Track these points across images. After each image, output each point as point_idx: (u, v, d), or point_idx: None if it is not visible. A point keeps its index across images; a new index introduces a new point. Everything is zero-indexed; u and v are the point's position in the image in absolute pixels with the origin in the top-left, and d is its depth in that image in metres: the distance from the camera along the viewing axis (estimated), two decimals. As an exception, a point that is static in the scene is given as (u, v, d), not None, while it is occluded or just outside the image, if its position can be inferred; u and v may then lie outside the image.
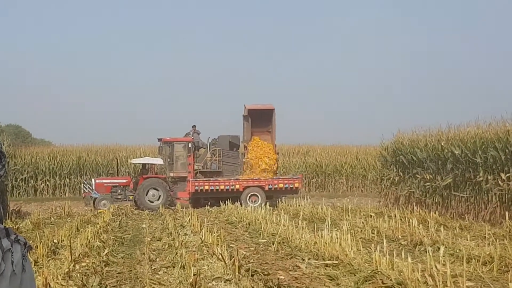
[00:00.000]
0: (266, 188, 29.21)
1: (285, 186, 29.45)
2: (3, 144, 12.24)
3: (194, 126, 32.84)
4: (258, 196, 29.01)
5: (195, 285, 8.25)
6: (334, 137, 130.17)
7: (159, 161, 30.52)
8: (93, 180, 31.37)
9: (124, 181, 30.74)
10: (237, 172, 30.92)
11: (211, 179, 29.66)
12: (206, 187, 28.87)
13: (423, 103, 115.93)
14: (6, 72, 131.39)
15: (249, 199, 28.87)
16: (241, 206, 26.88)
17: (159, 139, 31.83)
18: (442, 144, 23.14)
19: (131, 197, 29.71)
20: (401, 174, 26.95)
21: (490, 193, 20.17)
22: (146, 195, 29.14)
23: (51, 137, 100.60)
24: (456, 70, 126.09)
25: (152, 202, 29.04)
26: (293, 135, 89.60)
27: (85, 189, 31.08)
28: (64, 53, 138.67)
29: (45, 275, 8.47)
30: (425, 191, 24.40)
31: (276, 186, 29.38)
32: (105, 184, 30.29)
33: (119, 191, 29.99)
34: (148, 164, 30.64)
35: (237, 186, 29.11)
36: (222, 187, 29.01)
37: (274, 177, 30.80)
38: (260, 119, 31.19)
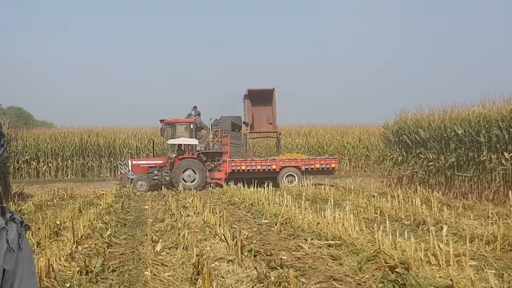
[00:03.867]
0: (303, 168, 29.30)
1: (321, 166, 29.58)
2: (3, 126, 12.14)
3: (195, 107, 32.72)
4: (294, 176, 29.10)
5: (198, 266, 8.18)
6: (336, 117, 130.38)
7: (195, 141, 30.41)
8: (129, 161, 31.54)
9: (161, 162, 30.82)
10: (240, 152, 30.90)
11: (248, 159, 29.71)
12: (243, 167, 28.87)
13: (428, 83, 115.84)
14: (9, 56, 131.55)
15: (285, 179, 28.89)
16: (278, 186, 27.32)
17: (161, 120, 31.71)
18: (446, 123, 23.04)
19: (167, 178, 29.82)
20: (404, 154, 26.88)
21: (494, 172, 20.12)
22: (182, 175, 29.22)
23: (53, 119, 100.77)
24: (461, 50, 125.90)
25: (188, 182, 29.09)
26: (295, 115, 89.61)
27: (121, 170, 31.20)
28: (67, 36, 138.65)
29: (48, 257, 8.41)
30: (428, 171, 24.35)
31: (312, 166, 29.45)
32: (142, 165, 30.54)
33: (156, 171, 30.17)
34: (184, 144, 30.52)
35: (274, 166, 29.19)
36: (259, 167, 29.05)
37: (311, 157, 31.31)
38: (260, 100, 31.23)
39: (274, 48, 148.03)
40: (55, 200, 24.02)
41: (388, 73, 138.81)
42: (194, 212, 17.93)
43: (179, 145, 30.54)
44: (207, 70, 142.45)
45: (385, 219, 15.12)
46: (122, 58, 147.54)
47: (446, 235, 12.28)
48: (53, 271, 8.48)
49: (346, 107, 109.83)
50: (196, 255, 9.10)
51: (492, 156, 20.15)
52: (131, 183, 29.37)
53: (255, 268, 8.88)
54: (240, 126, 31.91)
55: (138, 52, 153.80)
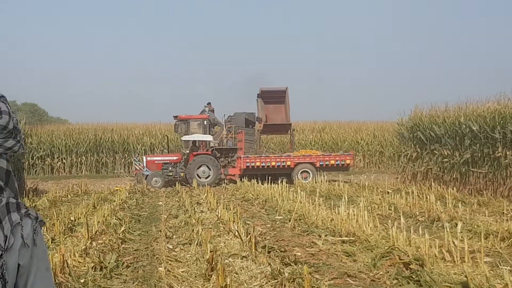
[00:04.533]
0: (318, 164, 29.27)
1: (336, 162, 29.54)
2: (19, 122, 12.42)
3: (209, 103, 32.73)
4: (309, 173, 29.08)
5: (212, 262, 8.17)
6: (350, 113, 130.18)
7: (209, 138, 30.43)
8: (144, 157, 31.59)
9: (175, 158, 30.90)
10: (253, 149, 30.87)
11: (262, 155, 29.70)
12: (258, 164, 28.88)
13: (443, 80, 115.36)
14: (23, 52, 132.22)
15: (300, 176, 28.89)
16: (292, 183, 27.36)
17: (175, 117, 31.73)
18: (461, 119, 22.90)
19: (182, 174, 29.88)
20: (418, 150, 26.74)
21: (509, 168, 20.00)
22: (197, 171, 29.28)
23: (68, 116, 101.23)
24: (477, 47, 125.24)
25: (203, 178, 29.16)
26: (308, 112, 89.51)
27: (136, 167, 31.31)
28: (80, 34, 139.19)
29: (62, 252, 8.44)
30: (443, 167, 24.22)
31: (327, 163, 29.43)
32: (156, 162, 30.63)
33: (170, 168, 30.25)
34: (198, 141, 30.54)
35: (289, 163, 29.14)
36: (273, 163, 29.04)
37: (326, 154, 31.36)
38: (273, 100, 31.26)
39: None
40: (69, 196, 24.10)
41: (400, 71, 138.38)
42: (208, 208, 17.94)
43: (194, 141, 30.55)
44: (221, 64, 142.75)
45: (399, 216, 15.09)
46: (136, 54, 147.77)
47: (461, 232, 12.27)
48: (67, 266, 8.50)
49: (360, 103, 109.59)
50: (210, 251, 9.10)
51: (507, 153, 20.02)
52: (146, 179, 29.43)
53: (269, 264, 8.85)
54: (253, 123, 31.85)
55: (154, 47, 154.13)
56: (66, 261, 8.52)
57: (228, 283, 7.86)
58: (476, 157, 21.89)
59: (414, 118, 27.59)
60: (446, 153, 23.83)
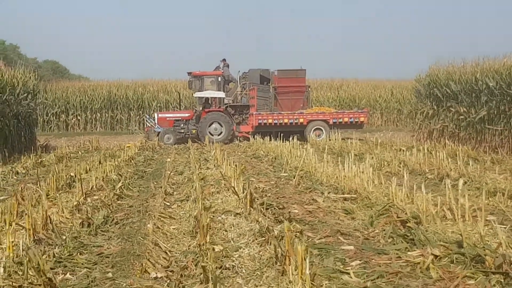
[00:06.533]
0: (331, 122, 28.89)
1: (350, 120, 29.18)
2: (30, 78, 12.17)
3: (224, 60, 32.26)
4: (322, 130, 28.76)
5: (200, 218, 7.81)
6: (369, 70, 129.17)
7: (221, 94, 30.09)
8: (155, 114, 31.41)
9: (187, 115, 30.70)
10: (268, 106, 30.39)
11: (274, 112, 29.29)
12: (270, 121, 28.57)
13: (467, 34, 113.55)
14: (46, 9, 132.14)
15: (313, 133, 28.59)
16: (306, 140, 27.11)
17: (189, 73, 31.32)
18: (477, 76, 22.24)
19: (193, 131, 29.70)
20: (435, 107, 26.12)
21: (525, 126, 19.46)
22: (209, 128, 29.11)
23: (89, 73, 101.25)
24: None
25: (215, 135, 28.99)
26: (326, 69, 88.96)
27: (147, 123, 31.05)
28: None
29: (45, 208, 8.17)
30: (458, 125, 23.65)
31: (341, 120, 29.04)
32: (168, 118, 30.40)
33: (182, 125, 30.05)
34: (210, 97, 30.19)
35: (301, 120, 28.82)
36: (286, 120, 28.73)
37: (339, 111, 30.95)
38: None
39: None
40: (80, 153, 23.95)
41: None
42: (214, 165, 17.65)
43: (206, 98, 30.18)
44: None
45: (409, 173, 14.70)
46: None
47: (469, 189, 11.86)
48: (50, 223, 8.24)
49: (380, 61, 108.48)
50: (203, 208, 8.81)
51: (524, 110, 19.47)
52: (157, 136, 29.20)
53: (257, 221, 8.52)
54: (268, 80, 31.30)
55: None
56: (49, 217, 8.25)
57: (213, 240, 7.59)
58: (492, 114, 21.29)
59: (431, 74, 26.90)
60: (462, 110, 23.24)
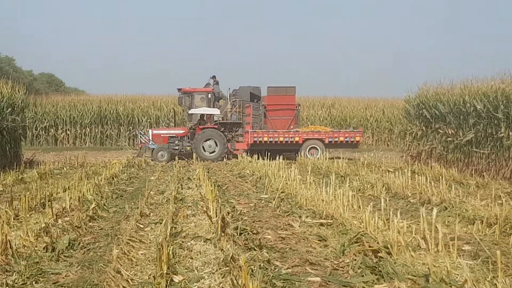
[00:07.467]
0: (326, 141, 28.97)
1: (345, 139, 29.20)
2: (19, 92, 11.97)
3: (214, 77, 32.13)
4: (317, 149, 28.70)
5: (161, 246, 7.53)
6: (360, 89, 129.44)
7: (217, 111, 29.95)
8: (150, 131, 31.19)
9: (182, 131, 30.45)
10: (258, 124, 30.26)
11: (270, 130, 29.25)
12: (265, 139, 28.63)
13: (458, 58, 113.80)
14: (41, 22, 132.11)
15: (308, 152, 28.56)
16: (295, 160, 27.42)
17: (179, 89, 31.29)
18: (465, 98, 22.09)
19: (188, 148, 29.53)
20: (423, 128, 25.96)
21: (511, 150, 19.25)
22: (203, 145, 29.00)
23: (85, 87, 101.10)
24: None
25: (209, 152, 29.01)
26: (318, 87, 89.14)
27: (141, 140, 30.89)
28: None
29: (5, 232, 7.93)
30: (446, 147, 23.47)
31: (336, 139, 29.08)
32: (162, 135, 30.18)
33: (176, 141, 29.81)
34: (205, 114, 30.01)
35: (297, 138, 28.80)
36: (281, 138, 28.73)
37: (335, 130, 30.98)
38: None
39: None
40: (65, 169, 23.71)
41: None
42: (196, 185, 17.42)
43: (201, 115, 30.01)
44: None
45: (392, 197, 14.51)
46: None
47: (449, 215, 11.66)
48: (10, 248, 8.00)
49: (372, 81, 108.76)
50: (170, 234, 8.57)
51: (510, 133, 19.27)
52: (151, 153, 29.03)
53: (221, 250, 8.28)
54: (259, 97, 31.25)
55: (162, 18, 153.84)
56: (10, 241, 8.00)
57: (175, 270, 7.36)
58: (479, 137, 21.12)
59: (421, 95, 26.78)
60: (450, 132, 23.08)
